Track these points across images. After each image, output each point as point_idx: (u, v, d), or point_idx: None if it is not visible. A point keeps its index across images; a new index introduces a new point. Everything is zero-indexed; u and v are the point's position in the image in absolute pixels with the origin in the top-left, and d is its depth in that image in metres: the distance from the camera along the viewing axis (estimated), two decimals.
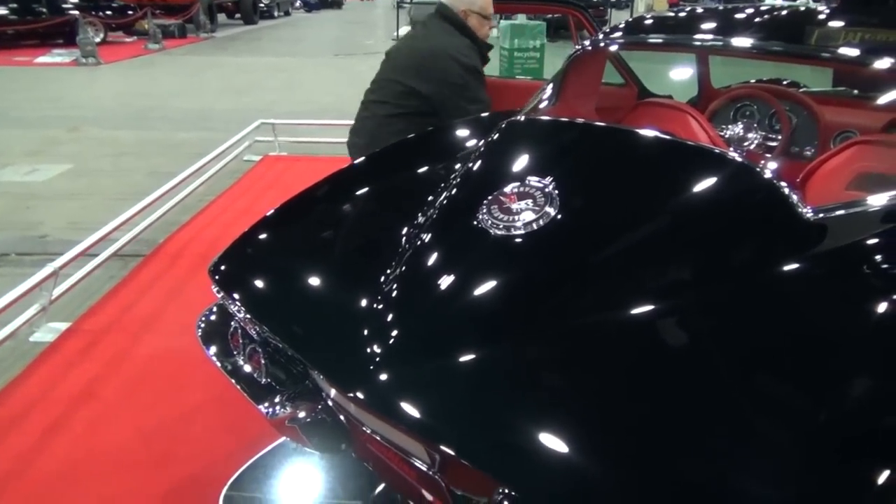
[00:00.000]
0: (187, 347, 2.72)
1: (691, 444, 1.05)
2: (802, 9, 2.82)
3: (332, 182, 1.97)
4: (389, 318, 1.36)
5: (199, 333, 1.79)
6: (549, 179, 1.49)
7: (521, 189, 1.49)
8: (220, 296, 1.68)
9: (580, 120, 1.91)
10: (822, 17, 2.20)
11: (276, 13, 22.28)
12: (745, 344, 1.21)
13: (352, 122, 3.12)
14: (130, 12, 14.66)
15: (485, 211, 1.47)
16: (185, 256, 3.75)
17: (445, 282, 1.38)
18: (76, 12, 12.71)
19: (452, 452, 1.13)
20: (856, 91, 2.91)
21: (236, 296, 1.60)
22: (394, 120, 2.88)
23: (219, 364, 1.68)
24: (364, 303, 1.43)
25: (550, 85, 2.33)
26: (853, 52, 1.83)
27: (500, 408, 1.15)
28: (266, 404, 1.51)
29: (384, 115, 2.92)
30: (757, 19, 2.28)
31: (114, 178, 5.25)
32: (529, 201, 1.46)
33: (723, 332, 1.25)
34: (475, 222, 1.46)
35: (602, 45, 2.24)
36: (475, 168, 1.69)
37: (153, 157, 5.83)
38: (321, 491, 1.81)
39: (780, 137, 2.65)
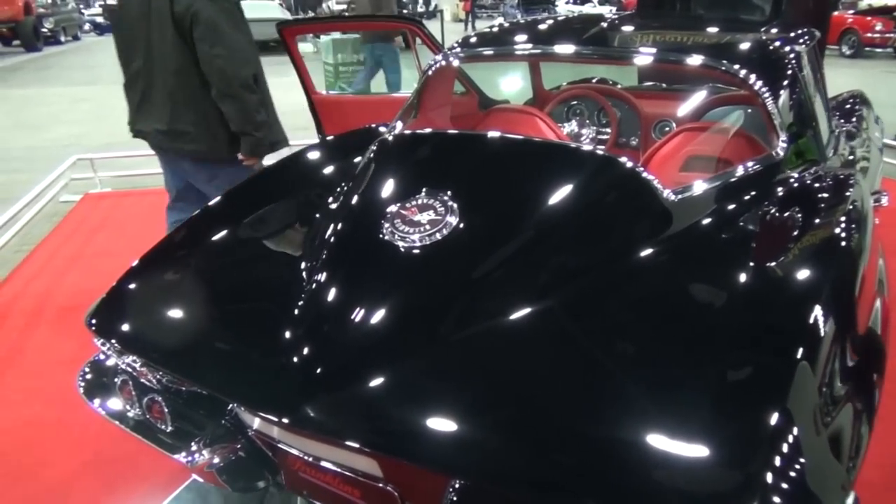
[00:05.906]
0: (41, 415, 2.46)
1: (597, 413, 1.17)
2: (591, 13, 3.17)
3: (208, 216, 1.88)
4: (311, 339, 1.35)
5: (82, 392, 1.64)
6: (445, 189, 1.56)
7: (420, 201, 1.55)
8: (105, 347, 1.56)
9: (457, 131, 2.00)
10: (610, 20, 2.48)
11: (62, 38, 20.20)
12: (633, 320, 1.37)
13: None
14: None
15: (388, 225, 1.51)
16: (15, 316, 3.31)
17: (363, 297, 1.40)
18: None
19: (407, 459, 1.16)
20: (664, 85, 3.32)
21: (128, 344, 1.50)
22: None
23: (116, 422, 1.55)
24: (277, 330, 1.40)
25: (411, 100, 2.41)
26: (653, 51, 2.12)
27: (441, 410, 1.20)
28: (184, 454, 1.43)
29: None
30: (577, 26, 2.53)
31: None
32: (430, 212, 1.52)
33: (616, 313, 1.40)
34: (381, 236, 1.49)
35: (453, 59, 2.36)
36: (367, 185, 1.71)
37: None
38: None
39: (609, 130, 2.96)
